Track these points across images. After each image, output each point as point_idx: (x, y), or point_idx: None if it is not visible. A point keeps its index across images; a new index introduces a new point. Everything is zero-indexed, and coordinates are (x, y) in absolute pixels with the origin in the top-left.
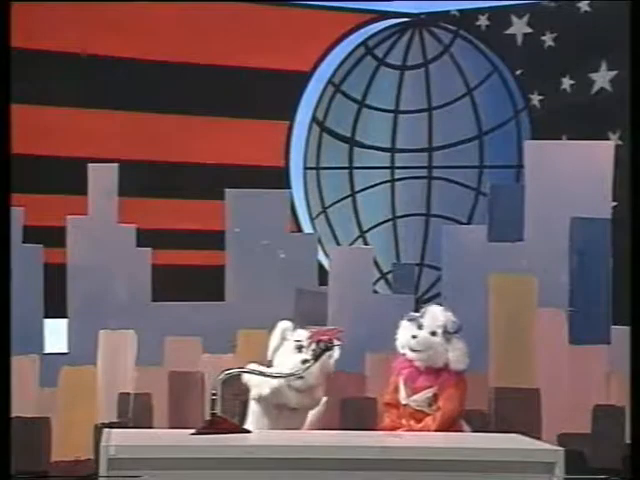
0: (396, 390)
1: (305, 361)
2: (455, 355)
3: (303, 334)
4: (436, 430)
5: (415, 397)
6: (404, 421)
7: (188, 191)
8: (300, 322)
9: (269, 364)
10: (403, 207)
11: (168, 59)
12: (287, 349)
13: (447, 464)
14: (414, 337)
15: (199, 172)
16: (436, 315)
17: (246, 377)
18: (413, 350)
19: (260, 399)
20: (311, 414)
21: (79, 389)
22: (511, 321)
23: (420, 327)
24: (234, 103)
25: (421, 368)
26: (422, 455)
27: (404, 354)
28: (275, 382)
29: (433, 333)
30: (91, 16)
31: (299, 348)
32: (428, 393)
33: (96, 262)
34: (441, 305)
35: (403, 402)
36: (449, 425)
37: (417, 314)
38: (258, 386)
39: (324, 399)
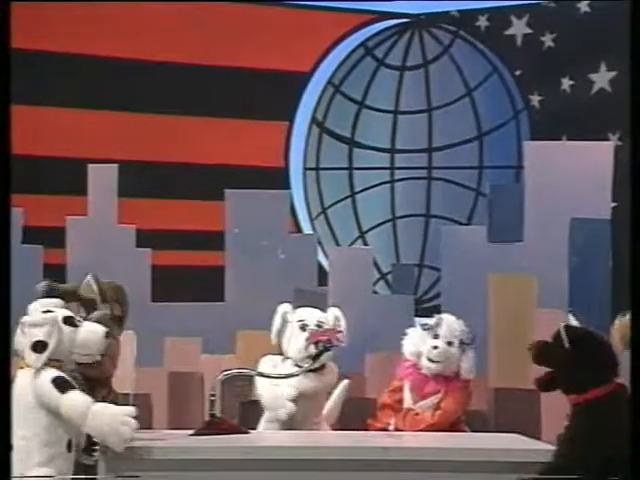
0: (396, 392)
1: (310, 357)
2: (468, 365)
3: (304, 313)
4: (433, 425)
5: (422, 403)
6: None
7: (188, 191)
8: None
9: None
10: (403, 208)
11: (168, 59)
12: (291, 331)
13: (447, 464)
14: (435, 348)
15: (199, 172)
16: (453, 325)
17: (260, 397)
18: (432, 361)
19: (276, 421)
20: (332, 400)
21: None
22: (511, 321)
23: (436, 337)
24: (234, 104)
25: (429, 375)
26: (422, 455)
27: (408, 359)
28: (291, 405)
29: (449, 343)
30: (91, 16)
31: (302, 328)
32: (435, 399)
33: (96, 262)
34: (445, 311)
35: (408, 406)
36: (446, 424)
37: (432, 322)
38: (272, 409)
39: (345, 381)
